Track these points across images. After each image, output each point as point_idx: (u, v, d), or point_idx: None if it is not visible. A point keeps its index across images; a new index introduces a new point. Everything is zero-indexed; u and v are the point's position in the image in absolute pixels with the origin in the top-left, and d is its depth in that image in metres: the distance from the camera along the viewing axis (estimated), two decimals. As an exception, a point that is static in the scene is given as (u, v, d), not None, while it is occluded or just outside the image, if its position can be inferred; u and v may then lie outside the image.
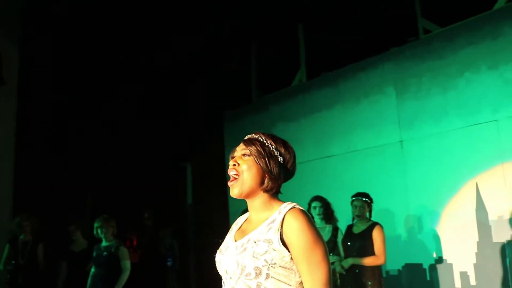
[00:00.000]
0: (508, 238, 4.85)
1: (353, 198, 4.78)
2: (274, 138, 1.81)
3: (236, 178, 1.76)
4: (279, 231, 1.64)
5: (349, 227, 4.82)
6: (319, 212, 4.83)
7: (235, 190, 1.76)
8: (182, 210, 9.47)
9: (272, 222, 1.68)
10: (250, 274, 1.63)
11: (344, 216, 5.30)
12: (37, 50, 7.69)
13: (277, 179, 1.76)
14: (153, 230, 10.15)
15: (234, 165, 1.76)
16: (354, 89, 6.33)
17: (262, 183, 1.75)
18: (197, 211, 9.12)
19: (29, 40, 7.41)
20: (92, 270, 5.06)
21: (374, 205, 4.83)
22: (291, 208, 1.67)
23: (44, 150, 7.94)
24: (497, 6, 5.26)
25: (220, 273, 1.79)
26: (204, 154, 8.69)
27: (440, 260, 5.36)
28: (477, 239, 5.06)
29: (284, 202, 1.76)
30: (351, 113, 6.33)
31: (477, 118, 5.17)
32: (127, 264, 4.99)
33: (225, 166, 6.17)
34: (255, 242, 1.66)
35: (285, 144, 1.81)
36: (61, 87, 8.13)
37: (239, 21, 7.60)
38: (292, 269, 1.64)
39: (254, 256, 1.63)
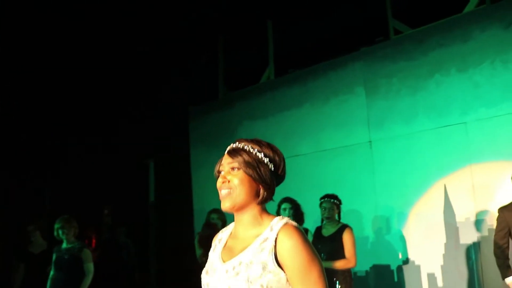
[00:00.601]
0: (475, 239, 4.91)
1: (322, 200, 4.72)
2: (259, 143, 1.68)
3: (229, 193, 1.63)
4: (273, 252, 1.53)
5: (318, 229, 4.76)
6: (288, 214, 4.74)
7: (226, 203, 1.63)
8: (144, 208, 9.24)
9: (265, 241, 1.57)
10: None
11: (312, 216, 5.24)
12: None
13: (271, 188, 1.66)
14: (112, 228, 9.90)
15: (224, 182, 1.64)
16: (323, 88, 6.28)
17: (256, 195, 1.64)
18: (159, 209, 8.91)
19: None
20: (52, 273, 4.80)
21: (342, 206, 4.79)
22: (284, 225, 1.57)
23: (2, 147, 7.59)
24: (467, 9, 5.30)
25: None
26: (168, 151, 8.49)
27: (407, 261, 5.37)
28: (444, 240, 5.10)
29: (275, 216, 1.65)
30: (320, 112, 6.28)
31: (446, 120, 5.21)
32: (90, 267, 4.77)
33: (189, 164, 5.96)
34: (247, 264, 1.54)
35: (272, 147, 1.69)
36: (23, 79, 7.77)
37: (206, 15, 7.43)
38: None
39: (248, 281, 1.51)
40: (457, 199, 5.06)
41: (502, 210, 4.10)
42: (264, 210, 1.67)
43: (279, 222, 1.59)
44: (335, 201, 4.71)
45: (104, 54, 7.69)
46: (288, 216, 4.67)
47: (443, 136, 5.20)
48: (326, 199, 4.70)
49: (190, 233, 7.64)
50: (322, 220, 4.77)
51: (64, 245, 4.83)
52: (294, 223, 1.60)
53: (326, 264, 4.44)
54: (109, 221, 10.05)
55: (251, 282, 1.51)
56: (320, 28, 6.66)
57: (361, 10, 6.23)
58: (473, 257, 4.90)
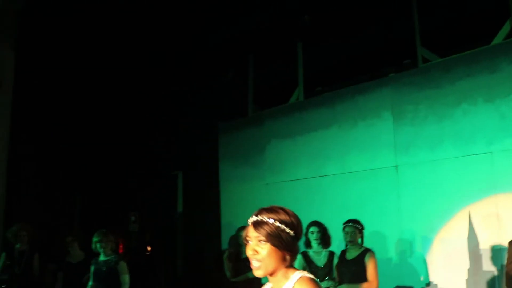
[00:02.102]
0: (498, 267, 5.01)
1: (345, 225, 4.92)
2: (276, 212, 1.90)
3: (260, 265, 1.87)
4: None
5: (343, 253, 4.96)
6: (316, 237, 4.94)
7: (259, 272, 1.88)
8: (172, 217, 9.50)
9: None
10: None
11: (337, 237, 5.40)
12: (34, 51, 7.66)
13: (294, 252, 1.90)
14: (138, 235, 10.18)
15: (254, 254, 1.87)
16: (351, 111, 6.44)
17: (283, 260, 1.87)
18: (187, 219, 9.16)
19: (25, 41, 7.33)
20: (90, 283, 5.08)
21: (366, 227, 4.98)
22: (300, 278, 1.83)
23: (37, 156, 7.93)
24: (495, 41, 5.42)
25: None
26: (197, 164, 8.74)
27: (430, 285, 5.50)
28: (467, 266, 5.22)
29: (297, 270, 1.90)
30: (347, 134, 6.44)
31: (472, 148, 5.32)
32: (126, 278, 5.04)
33: (217, 178, 6.16)
34: None
35: (287, 212, 1.91)
36: (58, 90, 8.11)
37: (237, 34, 7.66)
38: None
39: None
40: (481, 227, 5.17)
41: (511, 243, 4.25)
42: (291, 267, 1.91)
43: (297, 274, 1.85)
44: (358, 225, 4.90)
45: (139, 69, 7.99)
46: (316, 239, 4.91)
47: (468, 165, 5.31)
48: (348, 224, 4.90)
49: (217, 244, 7.86)
50: (346, 244, 4.96)
51: (102, 258, 5.11)
52: (310, 276, 1.85)
53: (351, 286, 4.65)
54: (136, 228, 10.34)
55: None
56: (349, 49, 6.82)
57: (390, 34, 6.37)
58: (496, 284, 5.00)
